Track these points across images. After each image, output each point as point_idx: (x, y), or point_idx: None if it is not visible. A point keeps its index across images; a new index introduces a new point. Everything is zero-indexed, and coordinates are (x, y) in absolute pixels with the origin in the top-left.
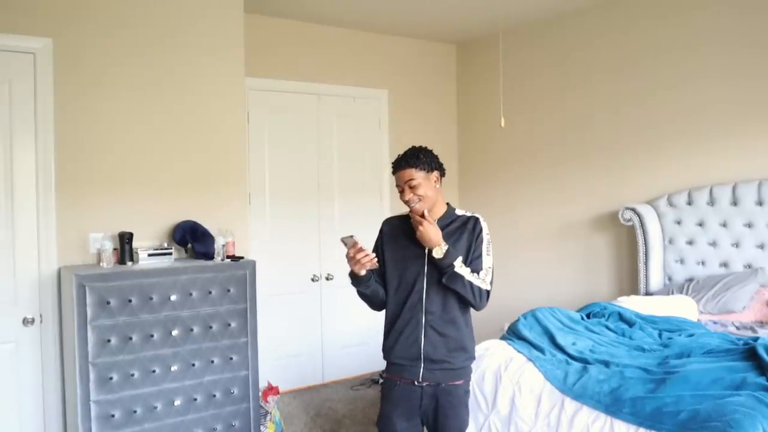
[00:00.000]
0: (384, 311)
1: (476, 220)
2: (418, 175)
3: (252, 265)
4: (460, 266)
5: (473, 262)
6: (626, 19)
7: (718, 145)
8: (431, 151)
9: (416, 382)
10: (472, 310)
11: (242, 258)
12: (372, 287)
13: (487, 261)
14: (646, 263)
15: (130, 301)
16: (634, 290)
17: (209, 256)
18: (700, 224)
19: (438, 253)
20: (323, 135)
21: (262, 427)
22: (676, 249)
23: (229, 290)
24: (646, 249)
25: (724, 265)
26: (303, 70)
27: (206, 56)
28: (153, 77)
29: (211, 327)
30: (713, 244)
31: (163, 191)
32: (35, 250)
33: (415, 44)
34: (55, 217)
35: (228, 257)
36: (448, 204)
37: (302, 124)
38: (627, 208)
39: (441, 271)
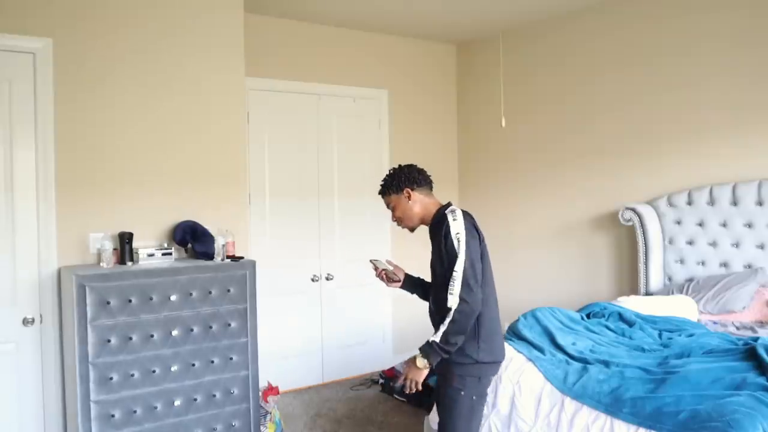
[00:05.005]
0: None
1: (443, 217)
2: (391, 200)
3: (252, 265)
4: (432, 340)
5: (449, 266)
6: (626, 19)
7: (718, 145)
8: (402, 168)
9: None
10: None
11: (242, 258)
12: (418, 292)
13: (458, 264)
14: (646, 263)
15: (130, 301)
16: (634, 290)
17: (209, 256)
18: (700, 224)
19: (422, 362)
20: (323, 135)
21: (262, 427)
22: (676, 249)
23: (229, 290)
24: (646, 249)
25: (724, 265)
26: (303, 70)
27: (206, 56)
28: (153, 77)
29: (211, 327)
30: (713, 244)
31: (163, 191)
32: (35, 250)
33: (415, 44)
34: (55, 217)
35: (228, 257)
36: (448, 204)
37: (302, 125)
38: (627, 208)
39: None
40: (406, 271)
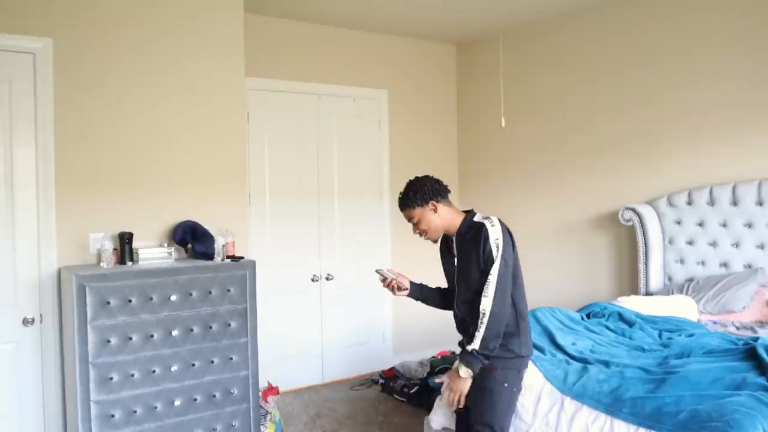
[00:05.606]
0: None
1: (481, 227)
2: (414, 213)
3: (252, 265)
4: (472, 348)
5: (484, 274)
6: (626, 19)
7: (718, 145)
8: (423, 180)
9: None
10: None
11: (242, 258)
12: (428, 300)
13: (493, 269)
14: (646, 263)
15: (130, 301)
16: (634, 290)
17: (209, 256)
18: (700, 224)
19: (467, 372)
20: (323, 135)
21: (262, 427)
22: (676, 249)
23: (229, 290)
24: (646, 249)
25: (724, 265)
26: (303, 70)
27: (206, 56)
28: (153, 77)
29: (211, 327)
30: (713, 244)
31: (163, 191)
32: (35, 250)
33: (415, 44)
34: (55, 217)
35: (228, 257)
36: (470, 211)
37: (302, 125)
38: (627, 208)
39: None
40: (407, 276)
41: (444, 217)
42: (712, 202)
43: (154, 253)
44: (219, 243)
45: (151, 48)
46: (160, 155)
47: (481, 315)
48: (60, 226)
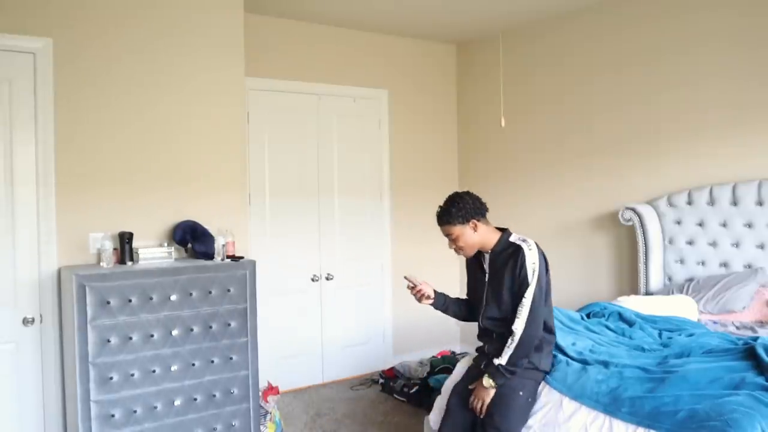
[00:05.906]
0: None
1: (518, 250)
2: (454, 230)
3: (252, 265)
4: (498, 363)
5: (519, 296)
6: (626, 19)
7: (718, 145)
8: (465, 198)
9: None
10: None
11: (242, 258)
12: (450, 310)
13: (528, 292)
14: (646, 263)
15: (130, 301)
16: (634, 290)
17: (209, 255)
18: (700, 224)
19: (489, 382)
20: (323, 135)
21: (262, 427)
22: (676, 249)
23: (229, 290)
24: (646, 249)
25: (724, 265)
26: (303, 70)
27: (206, 56)
28: (153, 77)
29: (211, 327)
30: (713, 244)
31: (163, 191)
32: (35, 250)
33: (415, 44)
34: (55, 217)
35: (228, 257)
36: (505, 230)
37: (302, 125)
38: (627, 208)
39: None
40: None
41: (482, 235)
42: (712, 202)
43: (154, 252)
44: (219, 243)
45: (150, 48)
46: (160, 155)
47: (512, 334)
48: (60, 225)
